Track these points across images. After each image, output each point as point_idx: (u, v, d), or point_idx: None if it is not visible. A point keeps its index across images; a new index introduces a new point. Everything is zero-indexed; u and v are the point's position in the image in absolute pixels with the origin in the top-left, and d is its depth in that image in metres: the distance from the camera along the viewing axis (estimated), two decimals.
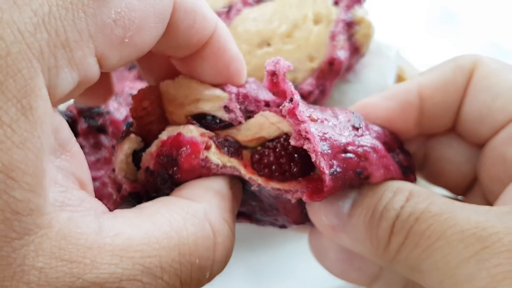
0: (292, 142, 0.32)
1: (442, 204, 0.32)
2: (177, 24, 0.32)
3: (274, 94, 0.35)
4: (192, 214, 0.30)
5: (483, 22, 0.98)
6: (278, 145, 0.34)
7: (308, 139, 0.32)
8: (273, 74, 0.33)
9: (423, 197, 0.33)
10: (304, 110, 0.32)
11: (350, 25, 0.58)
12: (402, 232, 0.32)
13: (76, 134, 0.55)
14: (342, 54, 0.57)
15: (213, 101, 0.35)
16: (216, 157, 0.34)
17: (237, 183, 0.36)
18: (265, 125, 0.35)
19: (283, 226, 0.41)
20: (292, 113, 0.32)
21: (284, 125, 0.34)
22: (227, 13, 0.64)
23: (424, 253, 0.30)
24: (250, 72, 0.58)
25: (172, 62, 0.37)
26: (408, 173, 0.38)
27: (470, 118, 0.38)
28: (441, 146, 0.42)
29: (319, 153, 0.32)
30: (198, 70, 0.36)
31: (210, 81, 0.36)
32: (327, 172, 0.32)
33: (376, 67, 0.63)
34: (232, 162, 0.34)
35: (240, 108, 0.35)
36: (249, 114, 0.35)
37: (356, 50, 0.59)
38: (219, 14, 0.65)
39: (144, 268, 0.26)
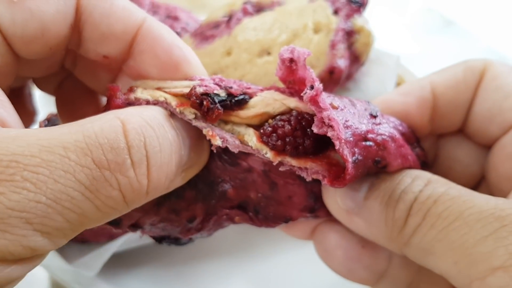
0: (315, 129, 0.32)
1: (461, 189, 0.33)
2: (88, 10, 0.33)
3: (288, 83, 0.34)
4: (100, 116, 0.29)
5: (482, 29, 0.98)
6: (292, 118, 0.33)
7: (331, 126, 0.31)
8: (291, 61, 0.32)
9: (441, 183, 0.34)
10: (325, 97, 0.32)
11: (350, 34, 0.58)
12: (420, 213, 0.32)
13: None
14: (342, 62, 0.57)
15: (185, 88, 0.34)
16: (146, 94, 0.33)
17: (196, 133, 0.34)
18: (269, 101, 0.34)
19: (287, 219, 0.38)
20: (314, 100, 0.31)
21: (290, 101, 0.34)
22: (228, 23, 0.64)
23: (440, 234, 0.31)
24: (251, 81, 0.58)
25: (123, 70, 0.37)
26: (425, 167, 0.38)
27: (480, 117, 0.39)
28: (450, 147, 0.42)
29: (343, 141, 0.31)
30: (144, 67, 0.35)
31: (160, 75, 0.35)
32: (350, 160, 0.32)
33: (376, 75, 0.63)
34: (168, 98, 0.33)
35: (215, 83, 0.34)
36: (229, 91, 0.34)
37: (356, 59, 0.59)
38: (219, 23, 0.65)
39: (42, 147, 0.26)
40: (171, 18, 0.73)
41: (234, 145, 0.33)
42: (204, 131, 0.33)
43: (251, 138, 0.33)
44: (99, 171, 0.27)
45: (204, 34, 0.65)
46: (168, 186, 0.32)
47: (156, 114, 0.31)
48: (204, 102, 0.32)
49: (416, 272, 0.39)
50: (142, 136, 0.29)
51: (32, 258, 0.27)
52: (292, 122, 0.33)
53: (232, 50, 0.61)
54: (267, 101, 0.34)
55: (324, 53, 0.57)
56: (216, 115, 0.33)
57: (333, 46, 0.57)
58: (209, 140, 0.34)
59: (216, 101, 0.33)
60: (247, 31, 0.61)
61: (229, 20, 0.64)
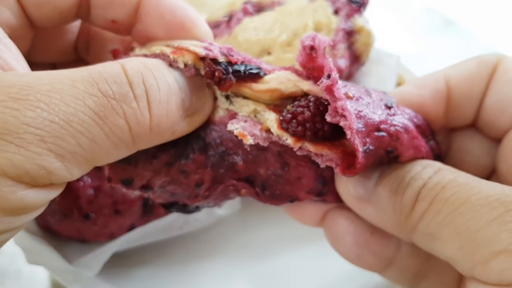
0: (328, 118, 0.33)
1: (469, 177, 0.33)
2: None
3: (307, 69, 0.35)
4: (104, 64, 0.31)
5: (483, 29, 0.98)
6: (311, 104, 0.34)
7: (344, 116, 0.32)
8: (312, 48, 0.33)
9: (451, 171, 0.34)
10: (340, 87, 0.33)
11: (350, 34, 0.58)
12: (427, 199, 0.33)
13: None
14: (342, 62, 0.57)
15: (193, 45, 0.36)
16: (144, 50, 0.36)
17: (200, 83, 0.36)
18: (283, 80, 0.35)
19: (293, 198, 0.39)
20: (329, 90, 0.32)
21: (304, 84, 0.34)
22: (228, 22, 0.64)
23: (447, 218, 0.31)
24: None
25: (132, 36, 0.39)
26: (438, 160, 0.39)
27: (491, 109, 0.40)
28: (462, 139, 0.43)
29: (354, 131, 0.32)
30: (151, 29, 0.37)
31: (167, 36, 0.37)
32: (360, 149, 0.33)
33: (376, 75, 0.63)
34: (163, 50, 0.35)
35: (221, 52, 0.35)
36: (229, 58, 0.35)
37: (356, 59, 0.59)
38: (220, 23, 0.65)
39: (51, 79, 0.28)
40: None
41: (263, 139, 0.34)
42: (235, 132, 0.34)
43: (273, 124, 0.34)
44: (106, 100, 0.29)
45: None
46: (173, 130, 0.34)
47: (153, 61, 0.34)
48: (216, 73, 0.34)
49: (424, 260, 0.40)
50: (140, 74, 0.31)
51: (47, 186, 0.28)
52: (311, 108, 0.33)
53: None
54: (281, 79, 0.35)
55: None
56: (228, 85, 0.34)
57: (333, 46, 0.57)
58: (215, 98, 0.36)
59: (230, 71, 0.34)
60: (248, 31, 0.61)
61: (229, 20, 0.64)
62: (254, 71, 0.35)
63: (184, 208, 0.39)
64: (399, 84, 0.66)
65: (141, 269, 0.60)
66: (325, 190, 0.39)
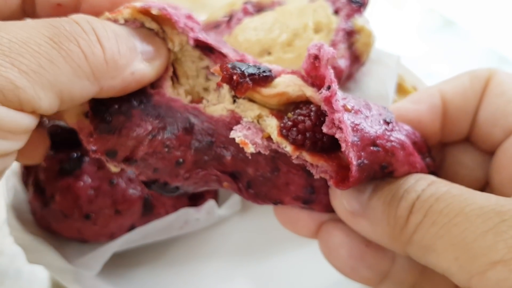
0: (325, 129, 0.33)
1: (463, 188, 0.33)
2: None
3: (311, 77, 0.35)
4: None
5: (483, 30, 0.98)
6: (312, 113, 0.34)
7: (340, 128, 0.32)
8: (316, 58, 0.34)
9: (444, 183, 0.34)
10: (339, 99, 0.33)
11: (350, 34, 0.58)
12: (421, 211, 0.33)
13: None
14: (342, 62, 0.57)
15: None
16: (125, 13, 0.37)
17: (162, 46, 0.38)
18: (290, 83, 0.35)
19: (277, 201, 0.39)
20: (328, 101, 0.32)
21: (308, 90, 0.35)
22: (228, 22, 0.64)
23: (441, 230, 0.31)
24: None
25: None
26: None
27: (484, 122, 0.40)
28: (456, 152, 0.43)
29: (349, 144, 0.32)
30: (96, 3, 0.38)
31: (113, 6, 0.38)
32: (355, 163, 0.33)
33: (377, 75, 0.63)
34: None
35: (158, 7, 0.36)
36: (162, 12, 0.36)
37: (356, 59, 0.59)
38: (220, 23, 0.65)
39: (3, 22, 0.30)
40: None
41: (263, 147, 0.34)
42: (237, 140, 0.34)
43: (273, 131, 0.34)
44: (58, 30, 0.30)
45: None
46: (132, 71, 0.35)
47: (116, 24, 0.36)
48: (234, 77, 0.34)
49: (420, 273, 0.39)
50: (86, 19, 0.33)
51: (18, 110, 0.28)
52: (312, 118, 0.34)
53: None
54: (288, 82, 0.35)
55: None
56: (245, 89, 0.34)
57: (333, 46, 0.57)
58: (171, 51, 0.38)
59: (246, 74, 0.34)
60: (248, 31, 0.61)
61: (230, 20, 0.64)
62: (267, 73, 0.35)
63: (164, 187, 0.39)
64: (399, 84, 0.66)
65: (141, 269, 0.60)
66: (312, 199, 0.38)
